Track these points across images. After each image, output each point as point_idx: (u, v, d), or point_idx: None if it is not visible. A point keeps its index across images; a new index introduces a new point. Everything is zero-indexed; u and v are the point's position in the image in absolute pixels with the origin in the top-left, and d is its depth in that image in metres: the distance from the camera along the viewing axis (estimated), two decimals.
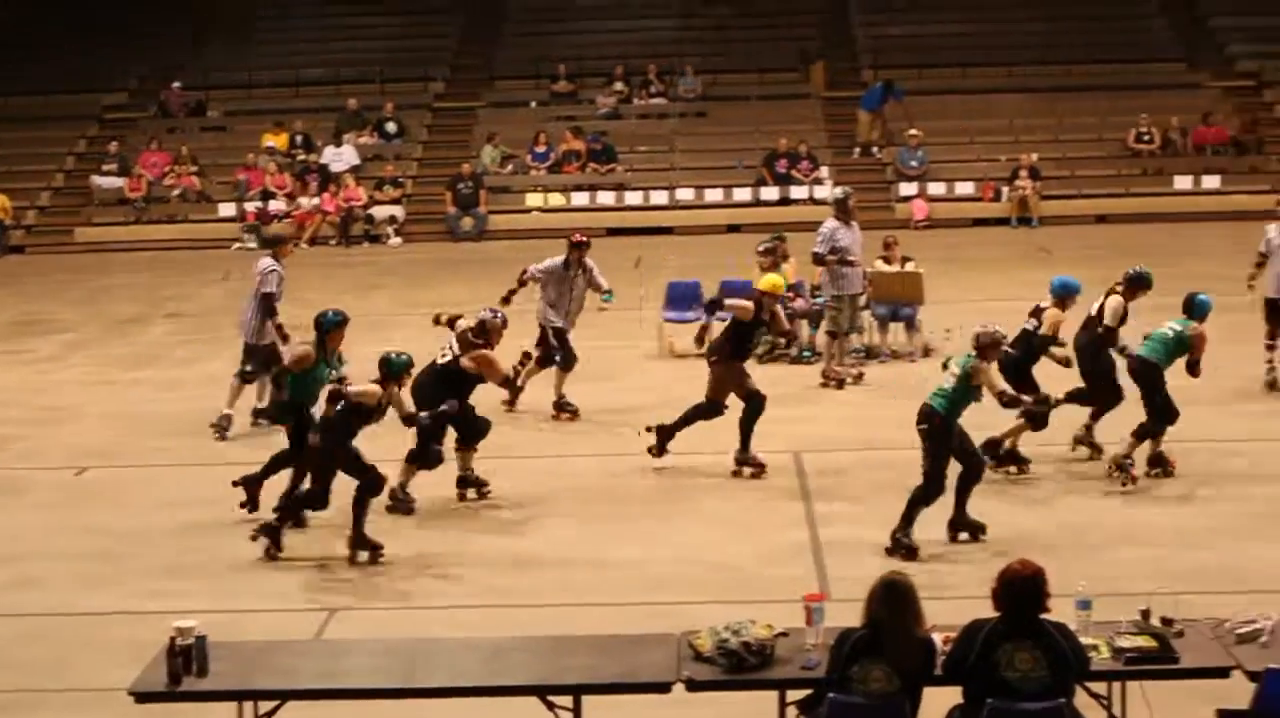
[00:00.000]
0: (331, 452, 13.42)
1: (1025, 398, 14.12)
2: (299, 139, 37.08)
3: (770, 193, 35.17)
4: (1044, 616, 8.32)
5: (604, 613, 11.73)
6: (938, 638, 8.55)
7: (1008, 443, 15.41)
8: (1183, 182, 35.10)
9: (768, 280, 16.50)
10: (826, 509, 14.54)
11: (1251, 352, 18.72)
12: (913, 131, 35.54)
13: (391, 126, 37.90)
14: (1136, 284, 15.89)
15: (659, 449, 15.99)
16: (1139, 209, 34.49)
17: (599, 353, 21.38)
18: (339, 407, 13.41)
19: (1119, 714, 9.00)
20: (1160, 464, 15.24)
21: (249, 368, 17.93)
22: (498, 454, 16.30)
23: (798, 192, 35.04)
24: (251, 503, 14.48)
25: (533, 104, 39.29)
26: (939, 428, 13.12)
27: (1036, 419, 14.97)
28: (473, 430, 14.97)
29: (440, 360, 14.98)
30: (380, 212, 34.98)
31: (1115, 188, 35.44)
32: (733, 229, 33.80)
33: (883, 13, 41.40)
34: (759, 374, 20.02)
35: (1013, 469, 15.46)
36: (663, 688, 8.81)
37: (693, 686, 8.76)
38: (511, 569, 13.26)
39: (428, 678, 9.03)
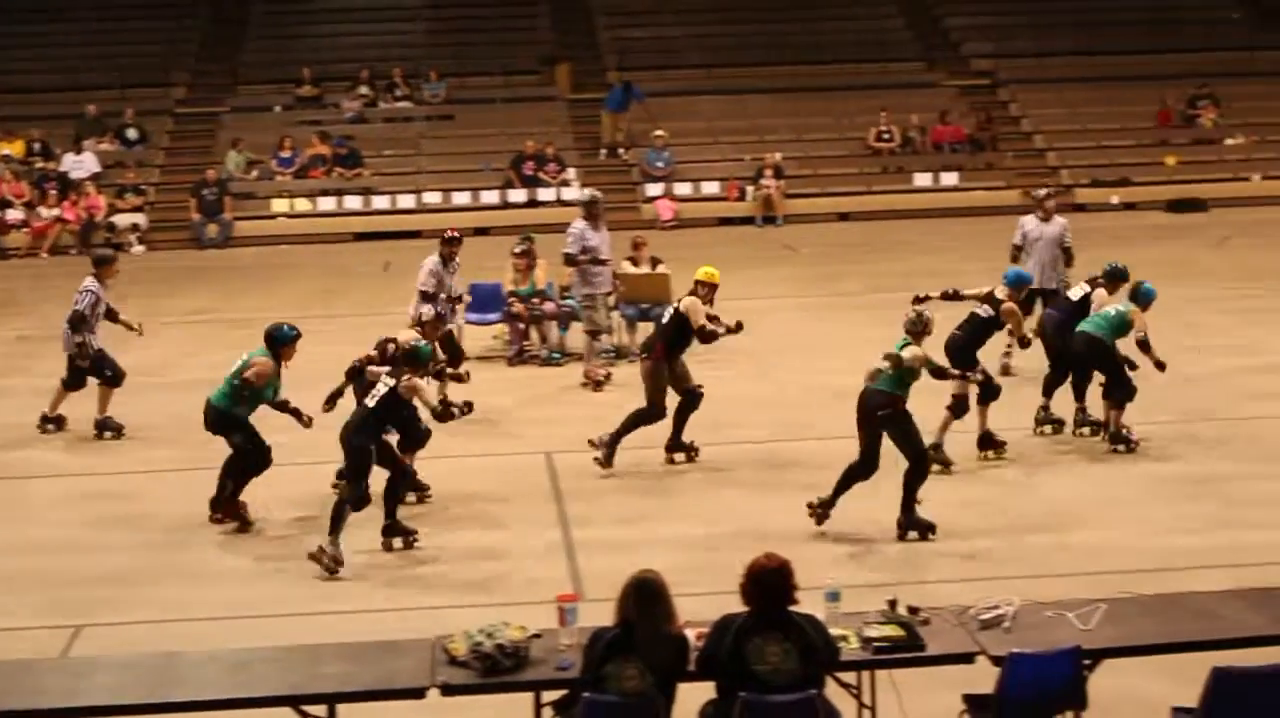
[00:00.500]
0: (367, 448, 13.35)
1: (954, 371, 14.66)
2: (36, 146, 36.25)
3: (518, 195, 35.19)
4: (794, 607, 8.41)
5: (356, 620, 11.65)
6: (690, 634, 8.60)
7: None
8: (922, 179, 35.85)
9: (704, 271, 16.43)
10: (579, 510, 14.55)
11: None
12: (658, 132, 35.80)
13: (133, 133, 37.22)
14: (1115, 278, 16.84)
15: (607, 460, 15.79)
16: (880, 206, 35.14)
17: (348, 359, 21.19)
18: (379, 401, 13.43)
19: (869, 703, 9.14)
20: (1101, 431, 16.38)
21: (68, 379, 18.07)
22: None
23: (545, 193, 35.11)
24: (242, 521, 14.37)
25: (277, 108, 38.82)
26: (900, 411, 13.44)
27: (987, 391, 15.61)
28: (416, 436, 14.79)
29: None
30: (122, 220, 34.32)
31: (857, 186, 36.05)
32: (481, 232, 33.64)
33: (626, 14, 41.61)
34: (510, 377, 20.14)
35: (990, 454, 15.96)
36: (417, 694, 8.76)
37: (448, 690, 8.72)
38: (258, 579, 13.09)
39: (175, 692, 8.85)
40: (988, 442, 15.94)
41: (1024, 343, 16.64)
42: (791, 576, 8.39)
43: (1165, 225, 32.90)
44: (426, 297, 18.96)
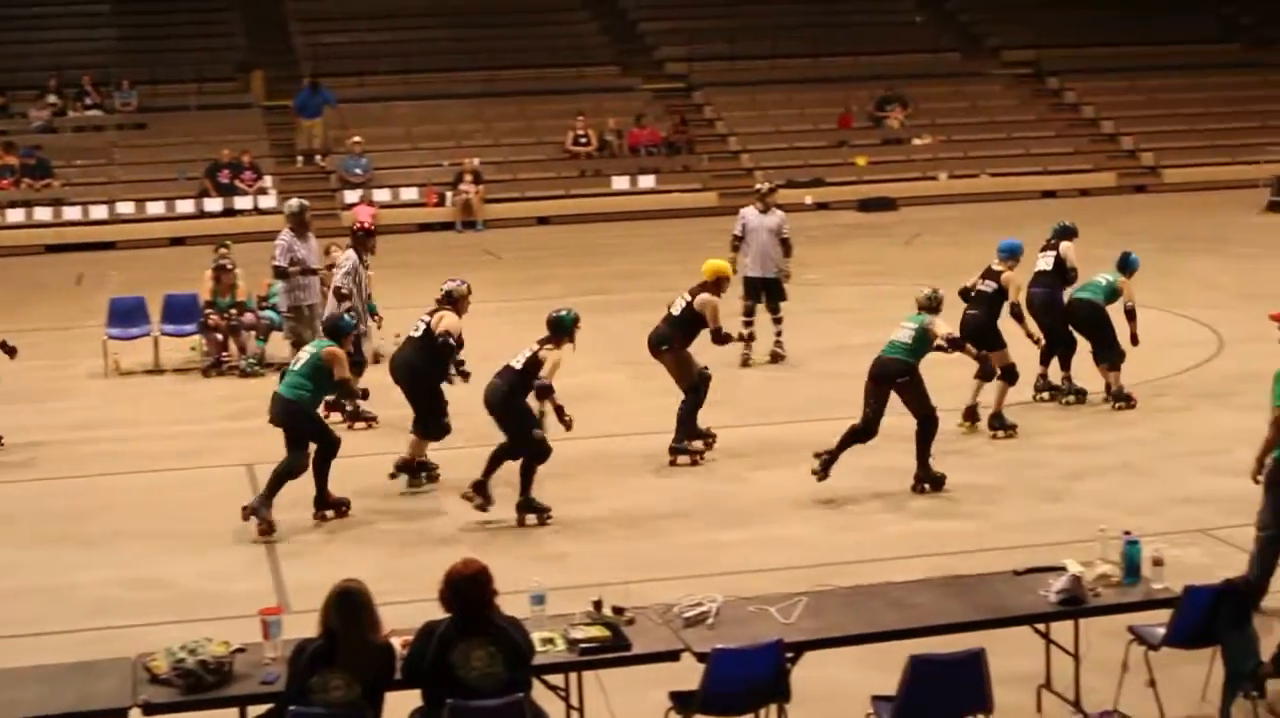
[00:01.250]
0: (528, 408, 14.29)
1: (970, 347, 15.53)
2: None
3: (214, 204, 34.68)
4: (496, 612, 8.42)
5: (53, 643, 11.38)
6: (396, 642, 8.58)
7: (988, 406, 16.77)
8: (620, 182, 36.14)
9: (715, 265, 16.56)
10: (282, 521, 14.38)
11: None
12: (355, 139, 35.55)
13: None
14: (1066, 234, 18.04)
15: (694, 455, 16.01)
16: (579, 210, 35.35)
17: (38, 373, 20.77)
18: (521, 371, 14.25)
19: (576, 704, 9.20)
20: (1123, 398, 17.40)
21: None
22: None
23: (242, 202, 34.66)
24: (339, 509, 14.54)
25: None
26: (917, 377, 14.73)
27: (1003, 373, 16.44)
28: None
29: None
30: None
31: (556, 190, 36.22)
32: (177, 242, 33.22)
33: (320, 20, 41.27)
34: (208, 388, 19.86)
35: (1000, 434, 16.63)
36: (119, 715, 8.60)
37: (150, 709, 8.56)
38: None
39: None
40: (998, 421, 16.73)
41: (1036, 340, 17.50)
42: (490, 580, 8.38)
43: (857, 224, 33.64)
44: (342, 297, 18.35)
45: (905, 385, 14.75)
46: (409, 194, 35.56)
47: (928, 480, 14.83)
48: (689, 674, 8.95)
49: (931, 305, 15.15)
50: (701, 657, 8.87)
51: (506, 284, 26.93)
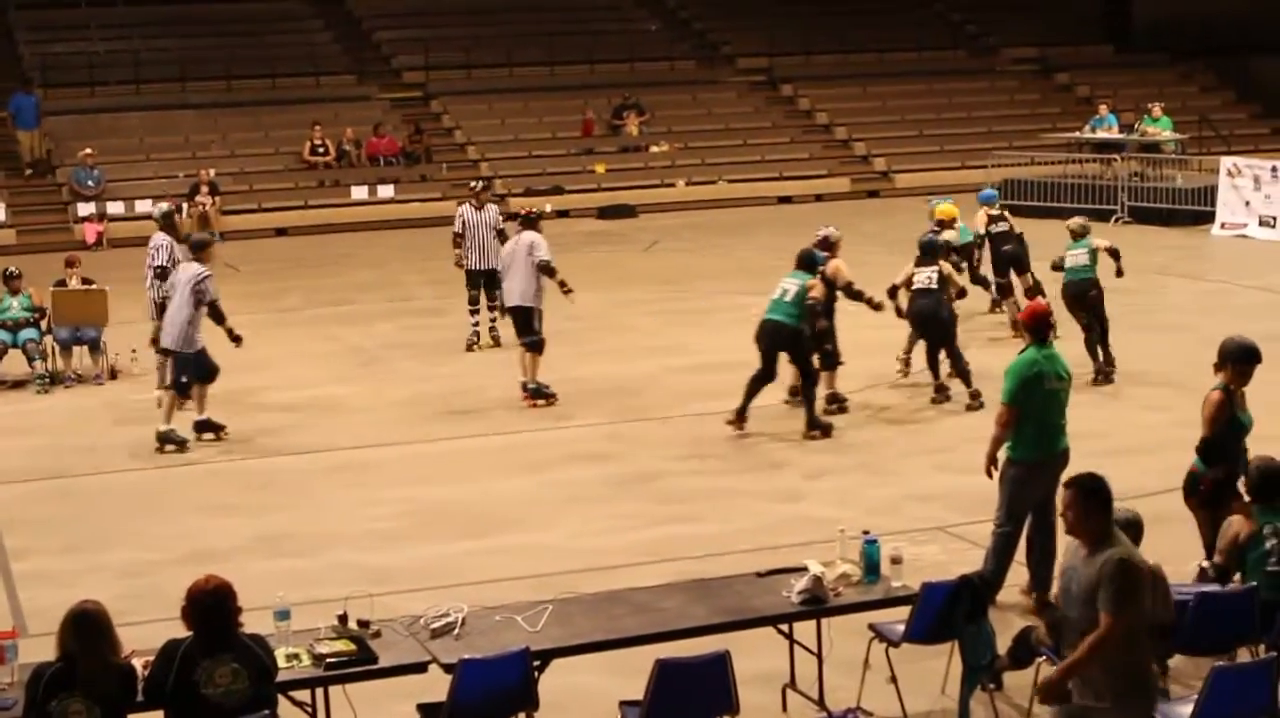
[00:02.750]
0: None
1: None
2: None
3: None
4: (241, 629, 8.33)
5: None
6: (137, 663, 8.44)
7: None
8: (359, 191, 35.89)
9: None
10: (18, 542, 14.08)
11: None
12: (87, 150, 34.82)
13: None
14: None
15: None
16: (318, 220, 35.02)
17: None
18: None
19: None
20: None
21: (184, 379, 17.16)
22: None
23: None
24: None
25: None
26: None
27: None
28: None
29: None
30: None
31: (294, 200, 35.84)
32: None
33: (48, 29, 40.38)
34: None
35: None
36: None
37: None
38: None
39: None
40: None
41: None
42: (233, 597, 8.26)
43: (598, 232, 33.78)
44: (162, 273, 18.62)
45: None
46: (143, 206, 34.87)
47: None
48: (437, 686, 8.93)
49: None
50: (449, 668, 8.85)
51: (245, 297, 26.56)
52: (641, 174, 37.99)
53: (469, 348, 21.64)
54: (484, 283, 21.52)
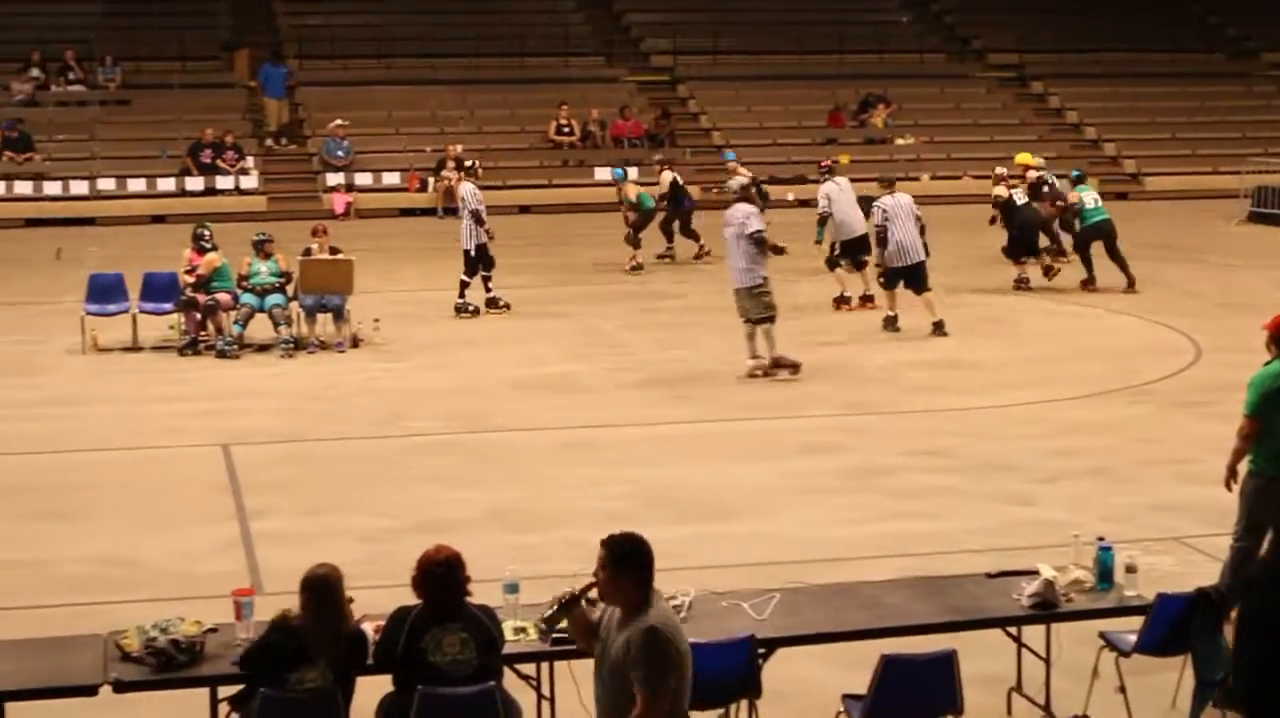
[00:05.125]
0: None
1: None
2: None
3: (195, 183, 34.61)
4: (470, 600, 8.42)
5: (26, 617, 11.36)
6: (368, 628, 8.57)
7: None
8: (602, 173, 36.02)
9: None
10: (257, 502, 14.37)
11: None
12: (338, 122, 35.48)
13: None
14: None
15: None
16: (561, 199, 35.33)
17: (16, 348, 20.79)
18: None
19: (548, 694, 9.19)
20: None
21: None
22: None
23: (224, 182, 34.60)
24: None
25: None
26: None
27: None
28: None
29: None
30: None
31: (538, 179, 36.20)
32: (157, 220, 33.18)
33: (304, 2, 41.20)
34: (184, 367, 19.83)
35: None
36: (90, 691, 8.57)
37: (120, 686, 8.54)
38: None
39: None
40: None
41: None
42: (462, 567, 8.36)
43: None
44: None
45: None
46: (391, 179, 35.50)
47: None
48: None
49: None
50: None
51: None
52: (886, 166, 37.67)
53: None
54: None
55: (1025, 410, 17.57)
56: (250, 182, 34.63)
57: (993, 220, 25.19)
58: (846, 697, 9.03)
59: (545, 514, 14.05)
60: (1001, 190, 25.01)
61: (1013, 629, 9.75)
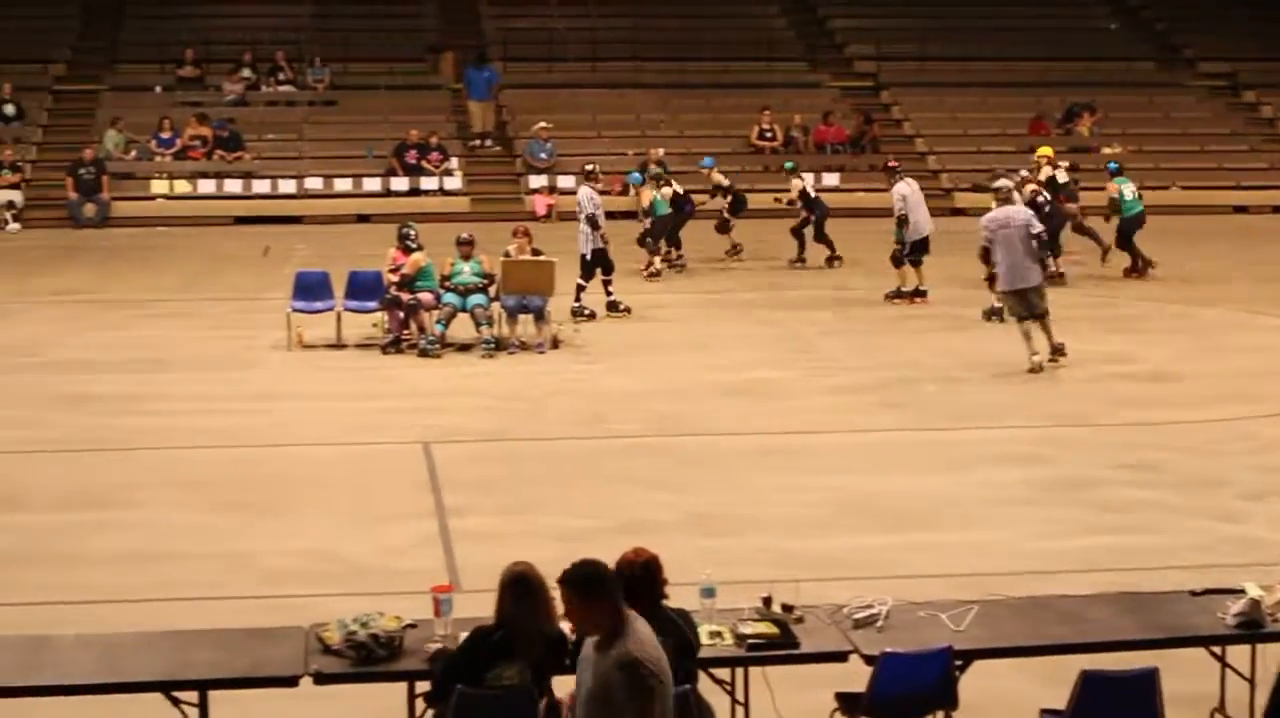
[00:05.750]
0: None
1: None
2: None
3: (400, 183, 35.03)
4: (666, 602, 8.42)
5: (228, 608, 11.55)
6: (567, 628, 8.59)
7: None
8: (806, 179, 35.85)
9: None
10: (457, 500, 14.51)
11: None
12: (541, 124, 35.72)
13: (10, 109, 36.73)
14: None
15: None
16: (762, 205, 35.13)
17: (223, 343, 21.18)
18: None
19: (742, 699, 9.18)
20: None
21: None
22: (116, 446, 16.13)
23: (428, 183, 34.98)
24: None
25: (158, 89, 38.47)
26: None
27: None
28: None
29: None
30: None
31: (740, 183, 36.04)
32: (363, 219, 33.62)
33: (511, 4, 41.53)
34: (387, 365, 20.07)
35: None
36: (290, 682, 8.70)
37: (320, 678, 8.66)
38: (132, 564, 12.96)
39: (44, 676, 8.73)
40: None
41: None
42: (659, 570, 8.36)
43: None
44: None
45: None
46: None
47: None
48: (856, 676, 8.90)
49: None
50: (870, 659, 8.81)
51: (687, 276, 27.02)
52: (1091, 175, 37.15)
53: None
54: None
55: (1232, 426, 17.23)
56: (454, 183, 34.97)
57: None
58: (1045, 712, 8.93)
59: (744, 519, 14.03)
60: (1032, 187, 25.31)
61: (1216, 648, 9.57)
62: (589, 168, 24.48)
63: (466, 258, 21.11)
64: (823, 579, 11.65)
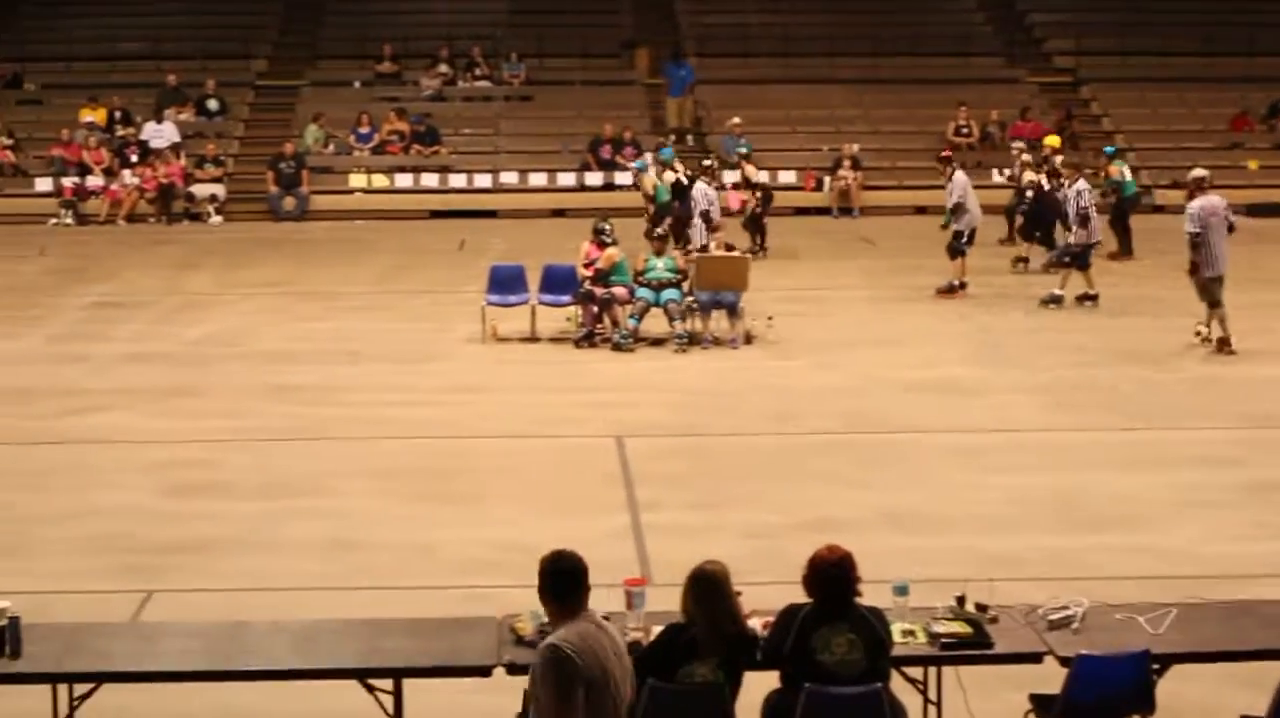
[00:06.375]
0: None
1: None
2: (118, 114, 36.46)
3: (595, 178, 35.17)
4: (859, 600, 8.39)
5: (421, 597, 11.68)
6: (757, 624, 8.60)
7: None
8: (1001, 175, 35.53)
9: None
10: (649, 494, 14.55)
11: None
12: (735, 120, 35.68)
13: (213, 104, 37.42)
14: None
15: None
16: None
17: (419, 335, 21.41)
18: None
19: (934, 699, 9.12)
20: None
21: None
22: (314, 436, 16.38)
23: (622, 177, 35.05)
24: None
25: (356, 84, 38.99)
26: None
27: None
28: None
29: None
30: (201, 190, 34.51)
31: (935, 179, 35.69)
32: (557, 214, 33.80)
33: (705, 1, 41.56)
34: (579, 359, 20.17)
35: None
36: (484, 672, 8.78)
37: (514, 669, 8.71)
38: (329, 552, 13.15)
39: (241, 661, 8.90)
40: None
41: None
42: (853, 568, 8.35)
43: (1245, 229, 32.47)
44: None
45: None
46: (786, 177, 35.54)
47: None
48: (1051, 678, 8.80)
49: None
50: (1065, 661, 8.71)
51: (878, 273, 26.86)
52: None
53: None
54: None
55: None
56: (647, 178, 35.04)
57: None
58: None
59: (936, 518, 13.93)
60: (1030, 176, 27.40)
61: None
62: (707, 163, 24.65)
63: (659, 253, 21.16)
64: (1017, 579, 11.54)
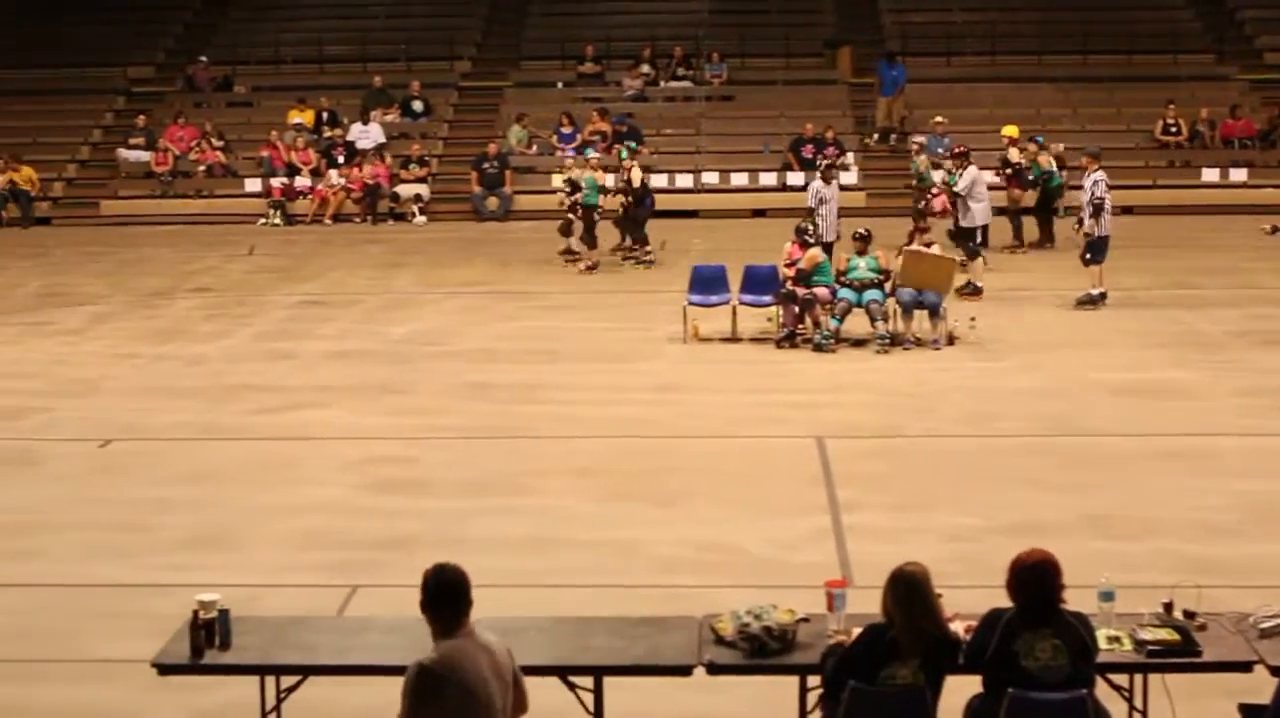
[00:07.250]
0: None
1: None
2: (325, 116, 37.07)
3: (796, 178, 35.03)
4: (1063, 605, 8.27)
5: (622, 595, 11.72)
6: (959, 627, 8.51)
7: None
8: (1210, 174, 34.94)
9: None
10: (850, 495, 14.48)
11: None
12: (939, 119, 35.37)
13: (418, 105, 37.91)
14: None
15: None
16: (1166, 201, 34.35)
17: (623, 335, 21.49)
18: None
19: (1140, 707, 8.96)
20: None
21: None
22: (514, 434, 16.49)
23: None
24: None
25: (559, 85, 39.28)
26: None
27: None
28: None
29: None
30: (405, 190, 34.97)
31: (1143, 179, 35.27)
32: (758, 214, 33.76)
33: None
34: (779, 359, 20.12)
35: None
36: (684, 671, 8.77)
37: (714, 669, 8.72)
38: (529, 550, 13.23)
39: None
40: None
41: None
42: (1058, 573, 8.22)
43: None
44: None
45: None
46: (989, 177, 35.12)
47: None
48: (1262, 688, 8.61)
49: None
50: (1276, 671, 8.51)
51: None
52: None
53: None
54: None
55: None
56: (850, 178, 34.84)
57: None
58: None
59: (1142, 522, 13.70)
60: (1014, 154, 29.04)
61: None
62: (825, 163, 24.72)
63: (862, 253, 21.06)
64: (1227, 586, 11.30)
